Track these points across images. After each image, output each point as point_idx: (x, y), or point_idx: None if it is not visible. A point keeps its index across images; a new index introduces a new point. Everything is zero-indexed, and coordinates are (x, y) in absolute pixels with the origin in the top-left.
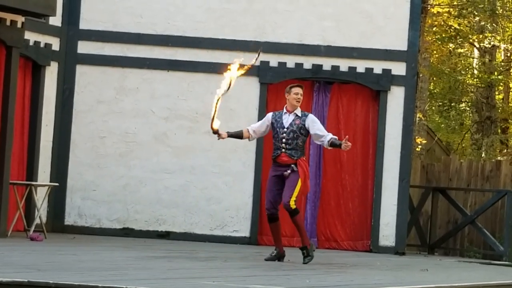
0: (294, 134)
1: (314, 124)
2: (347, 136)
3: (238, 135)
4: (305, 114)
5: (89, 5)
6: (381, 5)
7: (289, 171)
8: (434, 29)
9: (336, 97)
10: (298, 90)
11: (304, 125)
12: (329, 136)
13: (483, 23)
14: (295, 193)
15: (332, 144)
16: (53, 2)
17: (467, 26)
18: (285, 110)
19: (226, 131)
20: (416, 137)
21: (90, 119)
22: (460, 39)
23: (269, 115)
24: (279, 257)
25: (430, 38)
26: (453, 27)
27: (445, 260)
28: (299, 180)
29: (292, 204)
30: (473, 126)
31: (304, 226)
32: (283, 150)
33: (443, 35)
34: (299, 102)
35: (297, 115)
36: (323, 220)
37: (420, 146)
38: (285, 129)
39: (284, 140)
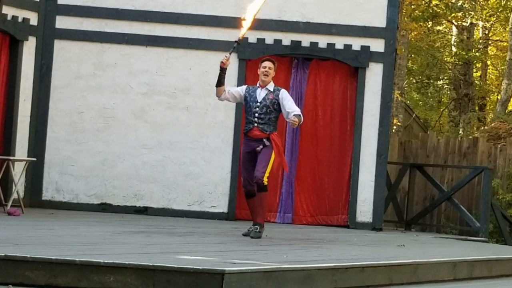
0: (267, 109)
1: (284, 101)
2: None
3: (221, 82)
4: (278, 89)
5: None
6: None
7: (261, 146)
8: (412, 7)
9: (314, 73)
10: (267, 63)
11: (278, 100)
12: (294, 113)
13: (460, 2)
14: (269, 168)
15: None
16: None
17: (445, 4)
18: (258, 85)
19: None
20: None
21: (68, 95)
22: (438, 18)
23: (244, 87)
24: None
25: (406, 19)
26: (432, 5)
27: (421, 236)
28: (272, 154)
29: (265, 180)
30: (451, 103)
31: (266, 207)
32: (256, 124)
33: (421, 14)
34: (266, 76)
35: (269, 90)
36: (300, 196)
37: (395, 127)
38: (258, 104)
39: (257, 114)
